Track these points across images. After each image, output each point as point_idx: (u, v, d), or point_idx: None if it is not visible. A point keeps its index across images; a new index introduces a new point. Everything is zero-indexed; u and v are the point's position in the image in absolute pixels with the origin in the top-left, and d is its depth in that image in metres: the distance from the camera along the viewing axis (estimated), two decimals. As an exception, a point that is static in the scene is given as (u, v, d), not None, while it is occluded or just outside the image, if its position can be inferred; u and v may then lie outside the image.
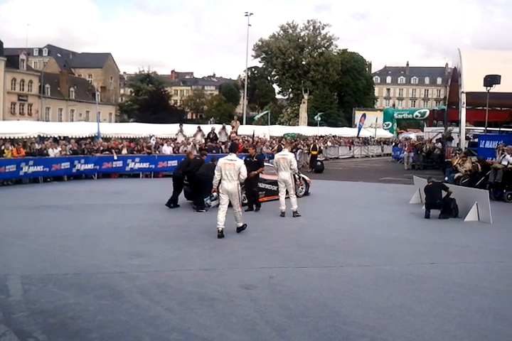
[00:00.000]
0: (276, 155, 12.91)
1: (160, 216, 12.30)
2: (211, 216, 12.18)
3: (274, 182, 13.62)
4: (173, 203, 13.45)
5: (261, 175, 13.90)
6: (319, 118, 42.86)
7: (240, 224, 10.50)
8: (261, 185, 14.14)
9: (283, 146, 14.56)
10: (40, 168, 19.17)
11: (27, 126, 26.74)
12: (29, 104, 65.84)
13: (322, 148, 32.65)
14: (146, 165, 22.33)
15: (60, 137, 24.79)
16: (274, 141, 30.54)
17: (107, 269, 7.45)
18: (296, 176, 14.43)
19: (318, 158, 27.91)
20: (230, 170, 10.18)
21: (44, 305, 5.87)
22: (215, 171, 10.68)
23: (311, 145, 29.19)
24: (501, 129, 24.81)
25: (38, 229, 10.47)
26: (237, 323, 5.40)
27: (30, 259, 7.97)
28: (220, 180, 10.33)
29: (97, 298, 6.13)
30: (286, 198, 12.55)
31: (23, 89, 65.01)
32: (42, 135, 24.26)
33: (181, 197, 13.88)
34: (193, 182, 13.30)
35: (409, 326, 5.45)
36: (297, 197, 13.13)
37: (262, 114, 34.98)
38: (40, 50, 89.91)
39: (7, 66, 61.03)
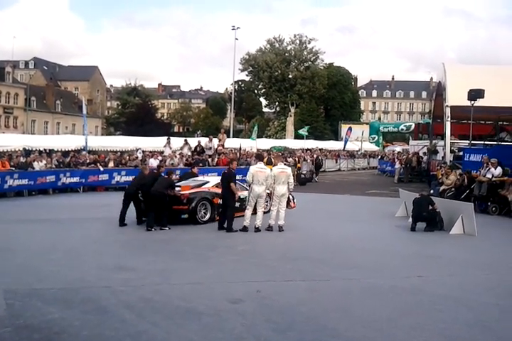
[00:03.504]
0: (275, 169, 12.51)
1: (145, 230, 12.18)
2: (198, 230, 12.21)
3: (241, 198, 13.33)
4: (122, 222, 12.55)
5: None
6: (306, 133, 42.90)
7: (259, 224, 11.94)
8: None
9: (273, 159, 14.52)
10: (25, 181, 18.97)
11: (12, 139, 26.55)
12: (14, 116, 65.47)
13: (321, 162, 33.34)
14: (132, 178, 22.14)
15: (45, 150, 24.60)
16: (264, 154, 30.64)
17: (93, 283, 7.37)
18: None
19: (303, 171, 28.33)
20: (261, 176, 12.00)
21: (28, 320, 5.78)
22: (247, 177, 12.10)
23: (296, 159, 29.50)
24: (485, 142, 25.09)
25: (22, 242, 10.35)
26: (224, 338, 5.36)
27: (14, 273, 7.87)
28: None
29: (82, 312, 6.06)
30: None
31: (8, 102, 64.68)
32: (27, 148, 24.07)
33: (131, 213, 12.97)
34: (148, 198, 12.43)
35: (396, 339, 5.46)
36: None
37: (254, 133, 35.61)
38: (27, 63, 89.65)
39: (-8, 78, 60.84)
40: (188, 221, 12.73)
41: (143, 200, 12.78)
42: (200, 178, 14.94)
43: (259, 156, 14.33)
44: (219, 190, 13.50)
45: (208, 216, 13.13)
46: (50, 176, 20.00)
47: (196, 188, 13.42)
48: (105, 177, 21.67)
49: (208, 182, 14.14)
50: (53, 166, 21.02)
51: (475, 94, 20.61)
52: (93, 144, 27.03)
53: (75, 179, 20.86)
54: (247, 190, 13.46)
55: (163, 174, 13.27)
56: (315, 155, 33.99)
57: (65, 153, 23.75)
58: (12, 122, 65.02)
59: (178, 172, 19.67)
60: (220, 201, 13.31)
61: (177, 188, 12.95)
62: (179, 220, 12.64)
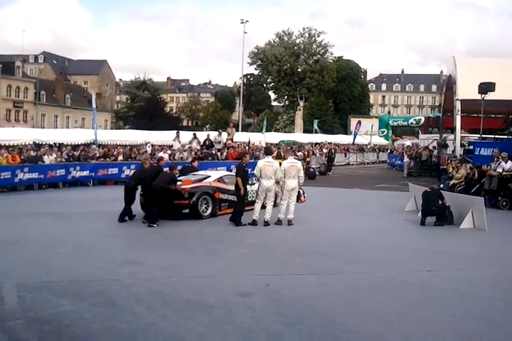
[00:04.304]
0: (285, 163, 12.43)
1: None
2: (207, 224, 12.24)
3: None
4: (128, 216, 12.34)
5: (225, 186, 13.50)
6: (317, 128, 42.79)
7: (268, 218, 11.93)
8: (223, 196, 13.39)
9: (282, 153, 14.46)
10: (35, 175, 19.09)
11: (22, 133, 26.73)
12: (24, 110, 65.78)
13: (333, 155, 33.56)
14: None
15: (55, 144, 24.75)
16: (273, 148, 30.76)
17: (102, 276, 7.42)
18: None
19: (312, 165, 28.42)
20: (270, 170, 11.98)
21: (39, 312, 5.84)
22: (255, 171, 12.17)
23: (306, 153, 29.64)
24: (496, 136, 24.91)
25: (32, 236, 10.42)
26: (233, 330, 5.38)
27: (24, 267, 7.94)
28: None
29: (92, 305, 6.10)
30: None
31: (18, 96, 64.99)
32: (37, 142, 24.22)
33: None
34: (148, 193, 12.18)
35: (406, 333, 5.45)
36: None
37: (264, 127, 35.97)
38: (36, 57, 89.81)
39: (3, 73, 61.14)
40: (189, 216, 12.52)
41: (142, 194, 12.55)
42: (202, 173, 14.78)
43: (267, 150, 14.22)
44: (220, 185, 13.52)
45: (209, 211, 12.93)
46: (60, 170, 20.11)
47: (197, 183, 13.21)
48: (115, 170, 21.73)
49: (209, 176, 13.94)
50: (63, 160, 21.14)
51: (486, 87, 20.46)
52: (102, 138, 27.14)
53: (85, 173, 20.95)
54: (249, 184, 13.41)
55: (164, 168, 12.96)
56: (324, 150, 34.15)
57: (75, 147, 23.88)
58: (22, 116, 65.33)
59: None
60: (221, 195, 13.31)
61: (178, 183, 12.69)
62: (180, 215, 12.45)
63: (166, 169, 12.81)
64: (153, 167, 12.99)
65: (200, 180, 13.50)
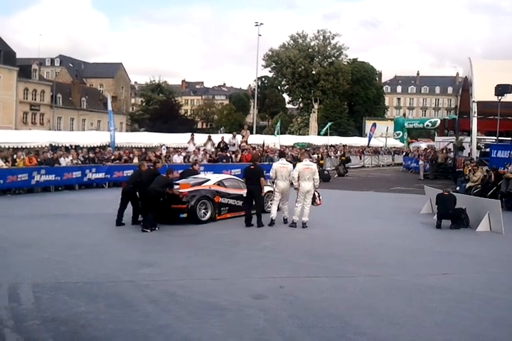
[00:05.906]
0: (300, 165, 12.36)
1: (168, 225, 12.08)
2: (220, 226, 12.27)
3: (239, 197, 13.18)
4: (119, 220, 12.16)
5: (224, 190, 13.33)
6: (322, 132, 42.60)
7: (287, 215, 12.44)
8: (223, 200, 13.12)
9: (300, 156, 14.55)
10: (51, 177, 19.27)
11: (39, 136, 26.97)
12: (41, 113, 66.38)
13: (349, 156, 33.96)
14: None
15: (71, 146, 24.96)
16: (288, 150, 30.80)
17: (118, 278, 7.47)
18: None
19: (327, 168, 28.49)
20: (285, 171, 12.29)
21: (55, 313, 5.89)
22: (270, 173, 12.45)
23: (320, 155, 29.69)
24: (513, 139, 24.64)
25: (48, 237, 10.53)
26: (247, 333, 5.38)
27: (41, 268, 8.02)
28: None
29: (107, 306, 6.14)
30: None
31: (35, 99, 65.59)
32: (53, 144, 24.43)
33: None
34: (143, 196, 11.84)
35: (421, 337, 5.41)
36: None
37: (277, 129, 35.96)
38: (52, 60, 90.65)
39: (20, 76, 61.63)
40: (187, 220, 12.27)
41: (139, 198, 12.23)
42: (201, 176, 14.55)
43: (281, 153, 14.38)
44: (220, 188, 13.29)
45: (208, 215, 12.64)
46: (76, 172, 20.28)
47: (196, 186, 12.93)
48: (130, 172, 21.73)
49: (208, 180, 13.62)
50: (79, 162, 21.30)
51: (502, 89, 20.28)
52: (118, 140, 27.26)
53: (101, 175, 21.10)
54: (239, 188, 13.37)
55: (161, 171, 12.71)
56: (337, 151, 34.54)
57: (91, 149, 24.07)
58: (39, 119, 65.93)
59: (202, 168, 19.69)
60: (221, 199, 13.08)
61: (176, 186, 12.43)
62: (178, 220, 12.20)
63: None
64: (149, 170, 12.66)
65: (199, 184, 13.18)
